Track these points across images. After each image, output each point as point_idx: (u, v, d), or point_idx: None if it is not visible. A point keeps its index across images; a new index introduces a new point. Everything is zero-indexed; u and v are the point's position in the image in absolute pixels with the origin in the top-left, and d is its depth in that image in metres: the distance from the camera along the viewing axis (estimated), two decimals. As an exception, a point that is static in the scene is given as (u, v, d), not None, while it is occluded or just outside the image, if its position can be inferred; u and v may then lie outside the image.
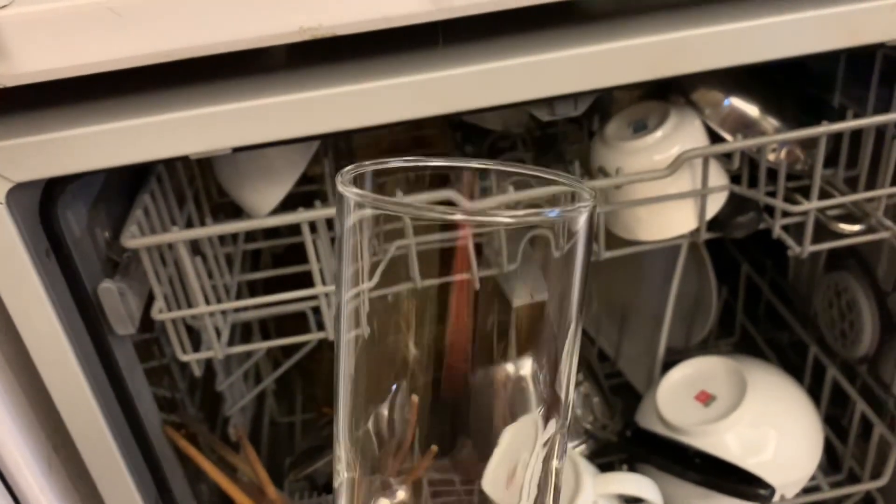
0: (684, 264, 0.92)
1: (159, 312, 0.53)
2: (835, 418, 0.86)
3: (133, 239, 0.50)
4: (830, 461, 0.85)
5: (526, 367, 0.32)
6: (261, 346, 0.58)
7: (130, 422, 0.57)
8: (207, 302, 0.54)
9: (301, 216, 0.52)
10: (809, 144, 0.64)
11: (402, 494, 0.32)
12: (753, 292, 1.01)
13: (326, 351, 0.98)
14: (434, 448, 0.32)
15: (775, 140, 0.55)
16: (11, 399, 0.52)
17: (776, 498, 0.71)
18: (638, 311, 0.98)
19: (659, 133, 0.59)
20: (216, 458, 0.68)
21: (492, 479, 0.31)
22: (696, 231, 0.61)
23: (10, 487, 0.53)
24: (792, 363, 0.94)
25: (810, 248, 0.59)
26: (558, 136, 0.76)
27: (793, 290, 0.95)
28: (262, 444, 0.95)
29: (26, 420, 0.53)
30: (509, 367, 0.32)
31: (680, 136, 0.59)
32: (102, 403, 0.54)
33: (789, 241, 0.60)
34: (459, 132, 0.83)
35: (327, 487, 0.71)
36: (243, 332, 0.77)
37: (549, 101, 0.49)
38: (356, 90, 0.45)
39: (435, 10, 0.42)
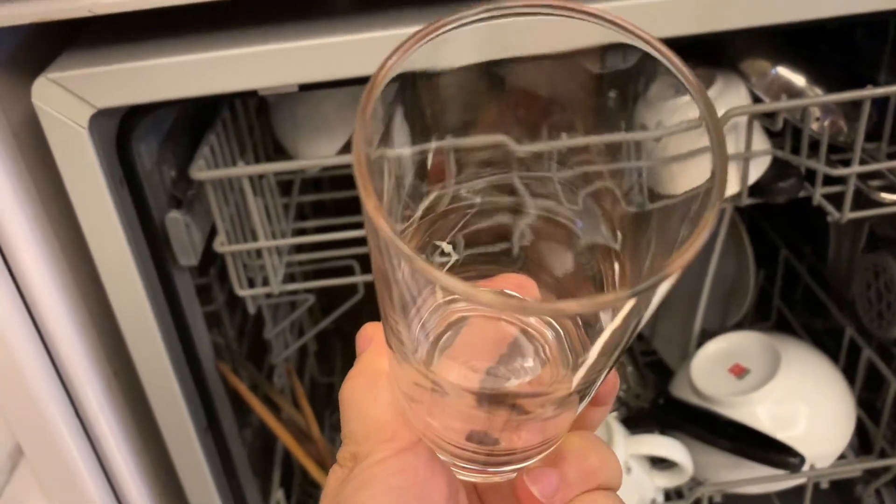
0: (722, 247, 0.93)
1: (221, 245, 0.56)
2: (869, 402, 0.86)
3: (201, 172, 0.53)
4: (862, 443, 0.85)
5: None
6: (312, 284, 0.61)
7: (187, 353, 0.61)
8: (266, 239, 0.57)
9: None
10: (853, 117, 0.66)
11: None
12: (791, 278, 1.02)
13: (366, 317, 1.00)
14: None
15: (820, 101, 0.56)
16: (80, 322, 0.55)
17: (806, 467, 0.72)
18: (674, 291, 0.99)
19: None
20: (262, 400, 0.71)
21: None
22: (738, 195, 0.62)
23: (74, 404, 0.56)
24: (828, 348, 0.95)
25: (850, 214, 0.60)
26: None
27: (831, 274, 0.95)
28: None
29: (92, 343, 0.57)
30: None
31: (725, 99, 0.60)
32: (163, 330, 0.57)
33: (829, 208, 0.61)
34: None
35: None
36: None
37: (601, 52, 0.51)
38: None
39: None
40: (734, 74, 0.63)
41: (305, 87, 0.50)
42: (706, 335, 1.04)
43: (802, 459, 0.71)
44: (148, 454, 0.63)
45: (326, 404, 1.00)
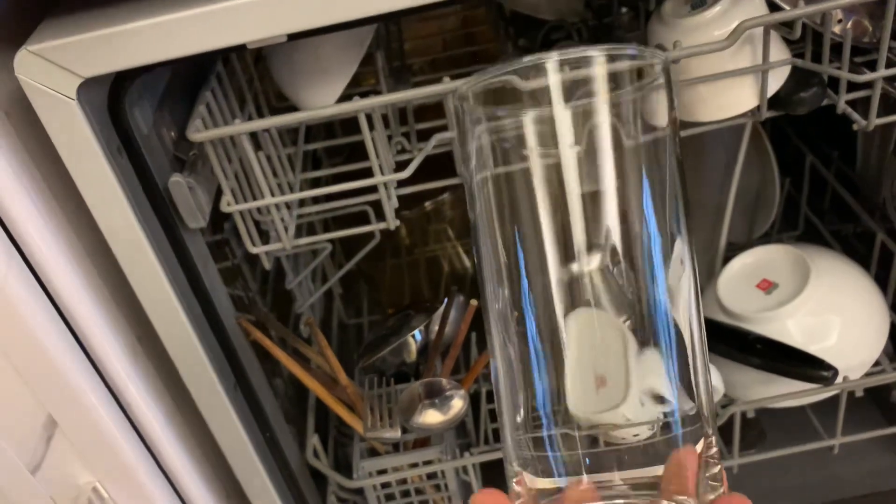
0: (746, 157, 0.90)
1: (227, 205, 0.55)
2: (902, 306, 0.85)
3: (198, 132, 0.52)
4: (896, 349, 0.84)
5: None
6: (324, 237, 0.60)
7: (207, 313, 0.60)
8: (272, 194, 0.56)
9: (357, 105, 0.52)
10: (878, 15, 0.62)
11: None
12: (818, 184, 0.99)
13: (389, 258, 1.00)
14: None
15: (839, 5, 0.53)
16: (96, 293, 0.55)
17: (839, 380, 0.71)
18: (699, 204, 0.97)
19: (718, 7, 0.57)
20: (290, 351, 0.71)
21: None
22: (757, 110, 0.60)
23: (101, 374, 0.57)
24: (859, 255, 0.92)
25: (876, 121, 0.58)
26: (614, 25, 0.75)
27: (860, 179, 0.92)
28: (333, 344, 0.99)
29: (111, 312, 0.57)
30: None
31: (740, 10, 0.57)
32: (180, 294, 0.56)
33: (854, 116, 0.58)
34: (512, 26, 0.82)
35: (396, 377, 0.74)
36: (309, 232, 0.79)
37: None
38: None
39: None
40: (748, -20, 0.59)
41: (295, 36, 0.48)
42: (733, 248, 1.02)
43: (835, 372, 0.70)
44: (181, 415, 0.64)
45: (356, 346, 1.01)
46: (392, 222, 0.58)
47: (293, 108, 0.69)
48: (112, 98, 0.50)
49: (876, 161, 0.87)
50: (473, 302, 0.62)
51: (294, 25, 0.47)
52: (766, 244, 0.81)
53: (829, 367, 0.70)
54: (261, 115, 0.72)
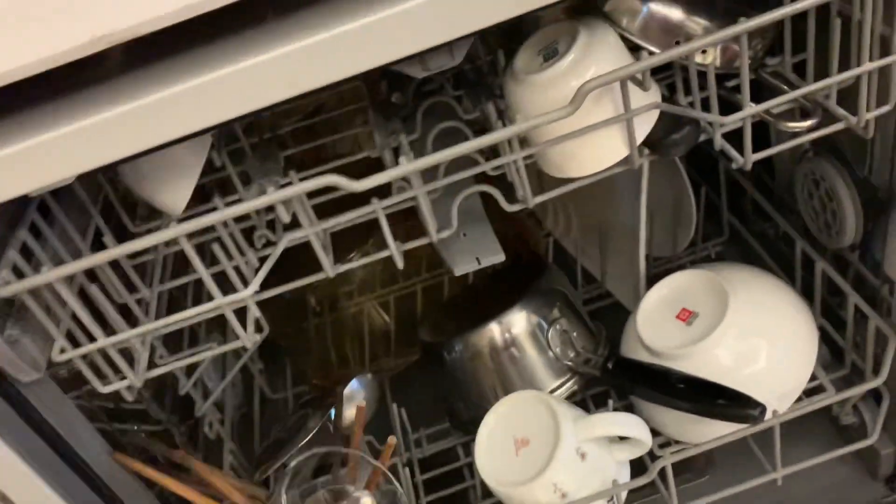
0: (658, 172, 0.86)
1: (60, 353, 0.50)
2: (833, 309, 0.81)
3: (5, 286, 0.46)
4: (833, 353, 0.80)
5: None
6: (181, 363, 0.55)
7: (69, 461, 0.55)
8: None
9: (177, 230, 0.47)
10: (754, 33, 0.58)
11: None
12: (737, 187, 0.95)
13: (299, 323, 0.95)
14: None
15: (665, 58, 0.48)
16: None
17: (769, 414, 0.67)
18: (617, 228, 0.93)
19: (569, 58, 0.52)
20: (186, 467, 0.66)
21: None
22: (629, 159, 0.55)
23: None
24: (785, 256, 0.89)
25: (754, 156, 0.53)
26: (483, 69, 0.70)
27: (777, 184, 0.88)
28: (256, 425, 0.93)
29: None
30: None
31: (593, 57, 0.52)
32: (26, 453, 0.51)
33: (732, 153, 0.54)
34: (385, 81, 0.77)
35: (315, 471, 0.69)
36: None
37: (420, 56, 0.43)
38: (187, 89, 0.40)
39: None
40: (599, 22, 0.55)
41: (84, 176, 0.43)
42: (659, 263, 0.99)
43: (763, 409, 0.65)
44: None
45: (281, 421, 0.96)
46: (250, 338, 0.53)
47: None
48: None
49: (789, 166, 0.83)
50: (360, 404, 0.57)
51: (81, 165, 0.42)
52: (681, 271, 0.77)
53: (755, 404, 0.66)
54: (119, 219, 0.66)
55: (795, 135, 0.55)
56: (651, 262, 0.98)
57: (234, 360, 0.89)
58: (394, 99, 0.75)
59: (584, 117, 0.52)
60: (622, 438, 0.70)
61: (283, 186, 0.47)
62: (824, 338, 0.77)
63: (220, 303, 0.50)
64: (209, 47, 0.42)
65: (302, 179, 0.61)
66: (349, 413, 0.69)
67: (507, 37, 0.66)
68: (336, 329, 0.96)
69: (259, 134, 0.75)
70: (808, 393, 0.74)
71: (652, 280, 0.84)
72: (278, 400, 0.98)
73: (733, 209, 0.96)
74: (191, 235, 0.47)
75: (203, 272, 0.48)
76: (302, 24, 0.40)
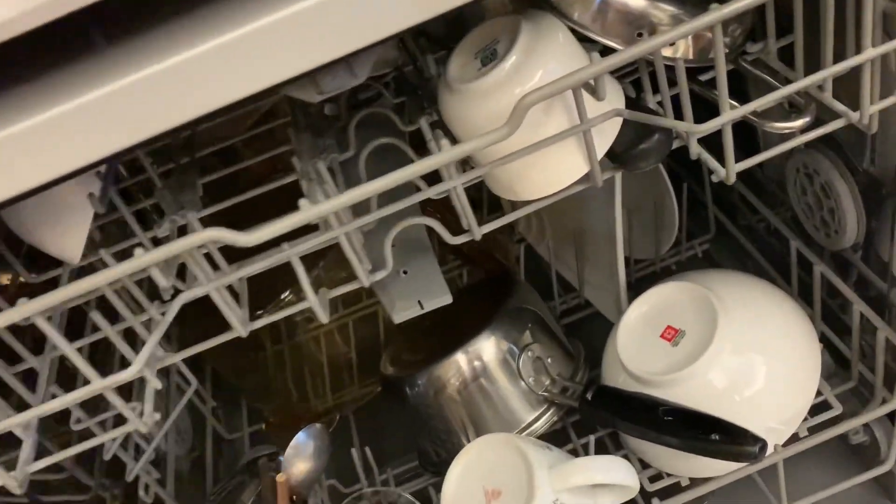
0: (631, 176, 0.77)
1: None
2: (834, 312, 0.73)
3: None
4: (837, 359, 0.72)
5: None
6: (66, 454, 0.46)
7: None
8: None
9: (74, 289, 0.38)
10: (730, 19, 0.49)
11: None
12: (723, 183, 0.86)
13: (262, 364, 0.87)
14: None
15: (625, 59, 0.39)
16: None
17: (770, 448, 0.59)
18: (594, 233, 0.84)
19: (509, 62, 0.43)
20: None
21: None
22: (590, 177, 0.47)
23: None
24: (777, 251, 0.81)
25: (738, 166, 0.45)
26: (425, 71, 0.61)
27: (766, 176, 0.80)
28: (209, 470, 0.86)
29: None
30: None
31: (539, 60, 0.44)
32: None
33: (711, 163, 0.46)
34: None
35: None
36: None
37: (309, 76, 0.34)
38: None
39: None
40: (546, 15, 0.46)
41: None
42: (642, 266, 0.91)
43: (763, 445, 0.57)
44: None
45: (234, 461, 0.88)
46: (147, 419, 0.44)
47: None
48: None
49: (780, 158, 0.74)
50: (280, 478, 0.49)
51: None
52: (662, 284, 0.68)
53: (754, 439, 0.58)
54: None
55: (785, 135, 0.46)
56: (632, 266, 0.89)
57: (178, 397, 0.81)
58: (327, 111, 0.66)
59: (532, 132, 0.43)
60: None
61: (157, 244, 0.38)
62: (826, 344, 0.69)
63: (99, 386, 0.41)
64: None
65: (210, 217, 0.52)
66: (297, 470, 0.61)
67: (449, 30, 0.58)
68: (294, 359, 0.88)
69: (176, 159, 0.66)
70: (814, 410, 0.66)
71: (634, 286, 0.76)
72: (234, 440, 0.90)
73: (720, 203, 0.88)
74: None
75: (68, 349, 0.39)
76: (140, 51, 0.31)
